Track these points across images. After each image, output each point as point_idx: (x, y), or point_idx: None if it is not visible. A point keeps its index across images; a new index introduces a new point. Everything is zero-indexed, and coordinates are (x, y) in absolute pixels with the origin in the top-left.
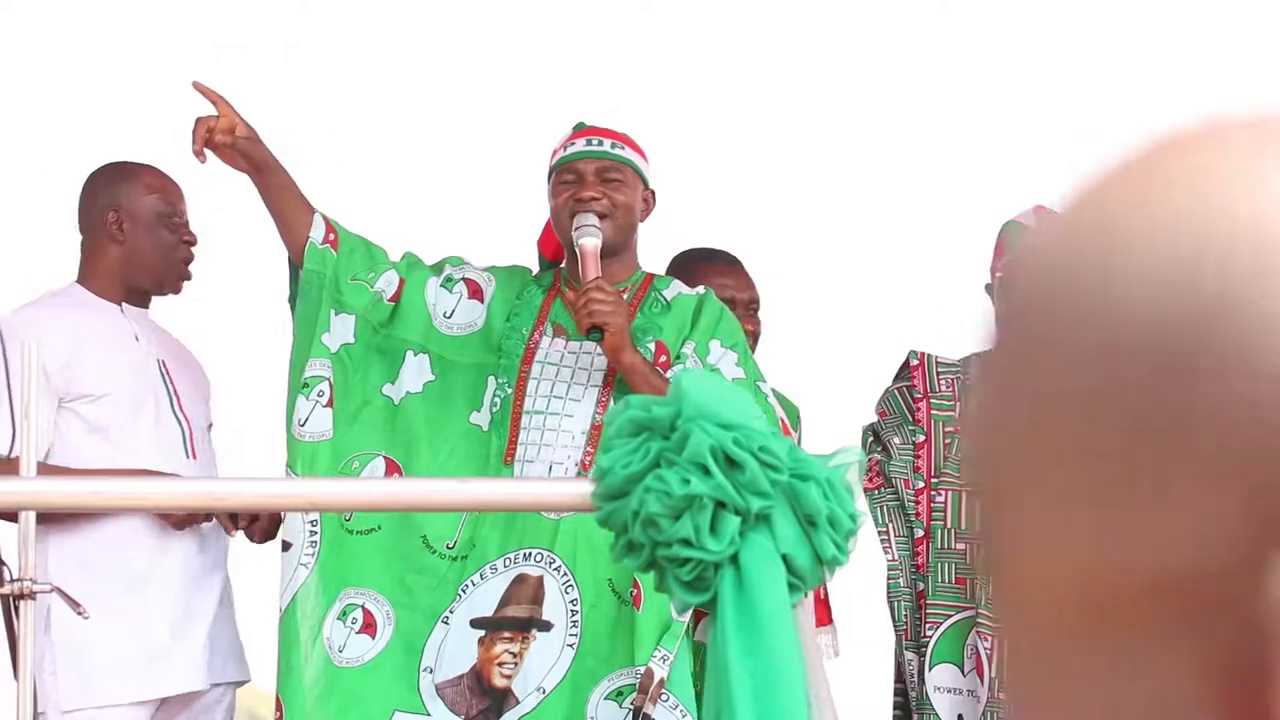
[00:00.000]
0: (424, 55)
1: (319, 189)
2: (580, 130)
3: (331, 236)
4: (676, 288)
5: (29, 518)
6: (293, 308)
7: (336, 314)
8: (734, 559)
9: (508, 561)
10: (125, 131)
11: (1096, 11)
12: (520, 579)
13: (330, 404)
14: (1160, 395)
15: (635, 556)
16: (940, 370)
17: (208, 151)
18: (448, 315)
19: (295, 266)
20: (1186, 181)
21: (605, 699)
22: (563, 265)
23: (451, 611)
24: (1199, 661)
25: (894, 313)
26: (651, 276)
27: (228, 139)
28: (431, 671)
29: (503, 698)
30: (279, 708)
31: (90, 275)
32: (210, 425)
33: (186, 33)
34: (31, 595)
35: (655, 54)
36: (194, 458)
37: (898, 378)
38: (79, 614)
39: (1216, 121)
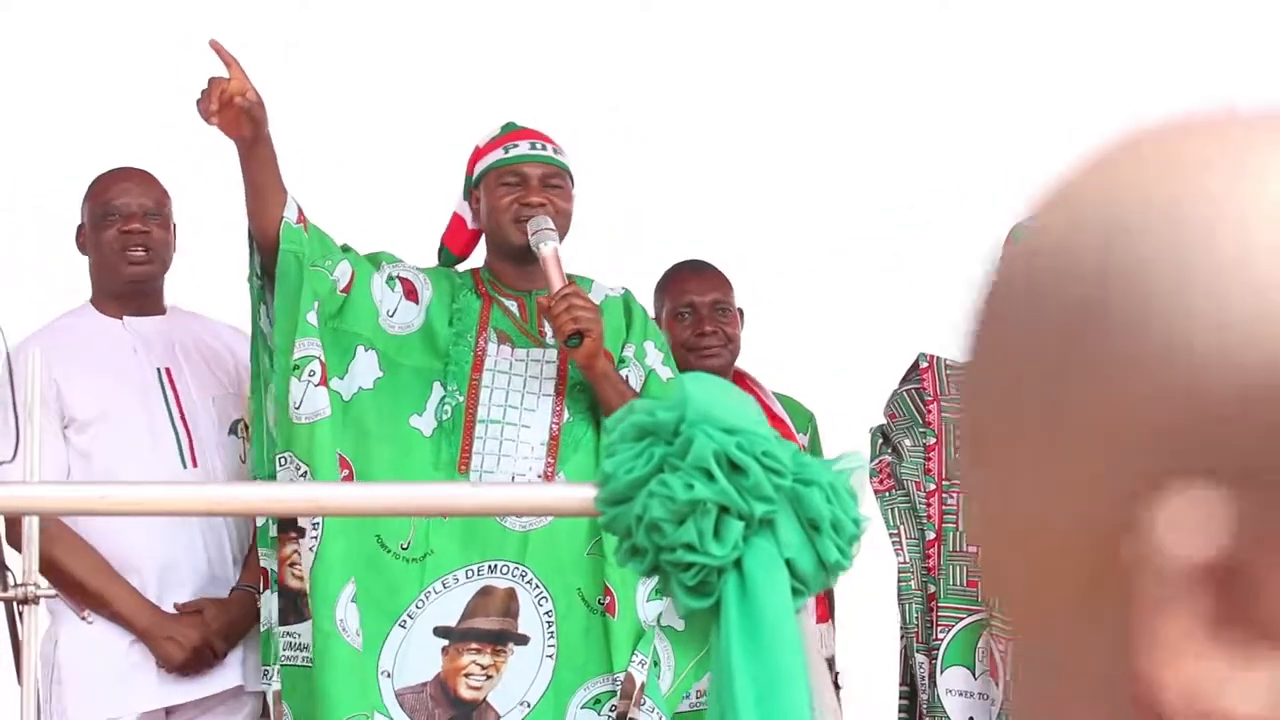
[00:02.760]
0: (424, 54)
1: (319, 187)
2: (516, 131)
3: (303, 219)
4: (599, 290)
5: (33, 523)
6: (251, 287)
7: (313, 297)
8: (737, 564)
9: (470, 573)
10: (124, 131)
11: (1100, 11)
12: (486, 590)
13: (323, 382)
14: (1062, 354)
15: (638, 561)
16: (950, 372)
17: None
18: (390, 314)
19: (254, 245)
20: (1139, 159)
21: (583, 708)
22: (480, 268)
23: (410, 616)
24: (1111, 626)
25: (900, 314)
26: (571, 279)
27: (241, 102)
28: (390, 676)
29: (471, 709)
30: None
31: (94, 294)
32: (239, 422)
33: (186, 33)
34: (35, 600)
35: (655, 54)
36: (194, 465)
37: (906, 380)
38: (82, 618)
39: (1205, 115)
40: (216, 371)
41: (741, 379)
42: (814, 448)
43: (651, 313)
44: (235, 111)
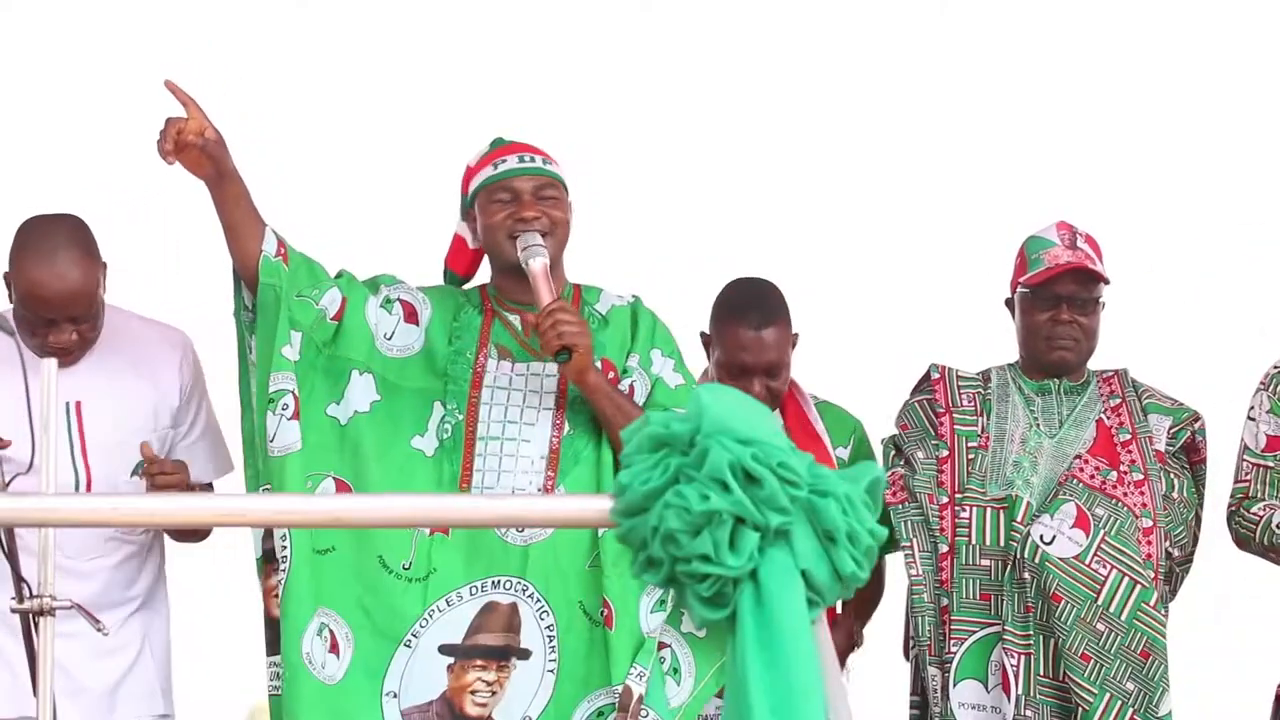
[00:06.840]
0: (424, 56)
1: (319, 189)
2: (504, 146)
3: (282, 251)
4: (607, 299)
5: (47, 535)
6: (238, 321)
7: (291, 329)
8: (753, 575)
9: (474, 589)
10: (121, 133)
11: (1104, 14)
12: (490, 606)
13: (295, 416)
14: None
15: (654, 573)
16: (961, 384)
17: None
18: (388, 337)
19: (239, 280)
20: None
21: None
22: (487, 284)
23: (415, 635)
24: None
25: (912, 325)
26: (579, 289)
27: (198, 141)
28: (396, 696)
29: None
30: None
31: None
32: (138, 465)
33: (184, 33)
34: (51, 612)
35: (655, 56)
36: None
37: (917, 390)
38: (99, 630)
39: None
40: (133, 403)
41: (788, 389)
42: (859, 456)
43: (663, 318)
44: (194, 151)
